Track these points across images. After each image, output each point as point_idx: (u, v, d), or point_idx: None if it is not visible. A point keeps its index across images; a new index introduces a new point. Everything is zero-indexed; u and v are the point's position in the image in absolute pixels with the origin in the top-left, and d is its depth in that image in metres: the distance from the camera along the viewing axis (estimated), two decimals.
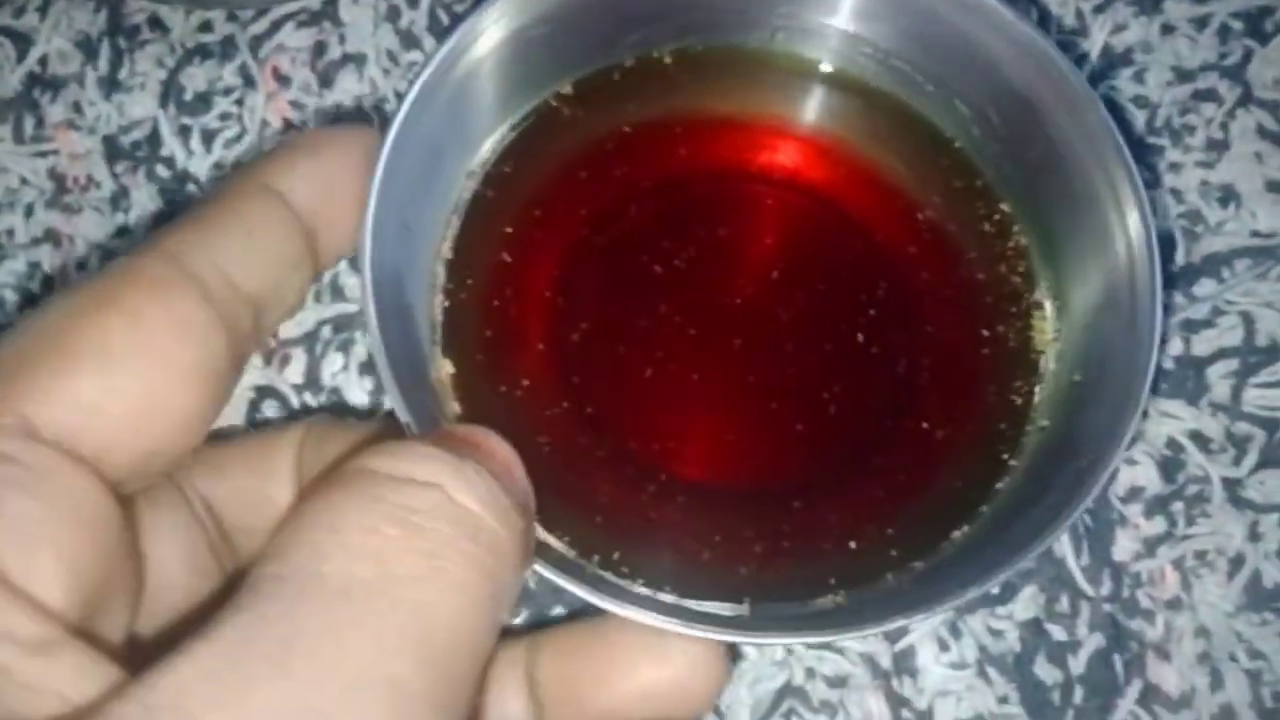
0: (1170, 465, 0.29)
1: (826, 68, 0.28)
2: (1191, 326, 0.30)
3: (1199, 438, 0.29)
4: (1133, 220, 0.23)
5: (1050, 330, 0.26)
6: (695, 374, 0.25)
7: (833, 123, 0.28)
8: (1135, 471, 0.29)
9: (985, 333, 0.26)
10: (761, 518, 0.24)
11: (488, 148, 0.26)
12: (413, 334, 0.24)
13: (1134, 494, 0.28)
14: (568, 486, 0.24)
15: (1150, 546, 0.28)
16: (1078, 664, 0.27)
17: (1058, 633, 0.27)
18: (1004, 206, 0.27)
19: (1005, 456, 0.24)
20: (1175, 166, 0.31)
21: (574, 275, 0.26)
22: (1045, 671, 0.27)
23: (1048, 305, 0.26)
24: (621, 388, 0.25)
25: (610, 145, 0.27)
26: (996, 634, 0.27)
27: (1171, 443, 0.29)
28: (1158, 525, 0.28)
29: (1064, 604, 0.27)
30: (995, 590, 0.27)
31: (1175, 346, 0.30)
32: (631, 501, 0.24)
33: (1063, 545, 0.28)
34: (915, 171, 0.27)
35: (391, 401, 0.21)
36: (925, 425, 0.25)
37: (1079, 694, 0.27)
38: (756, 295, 0.26)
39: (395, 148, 0.22)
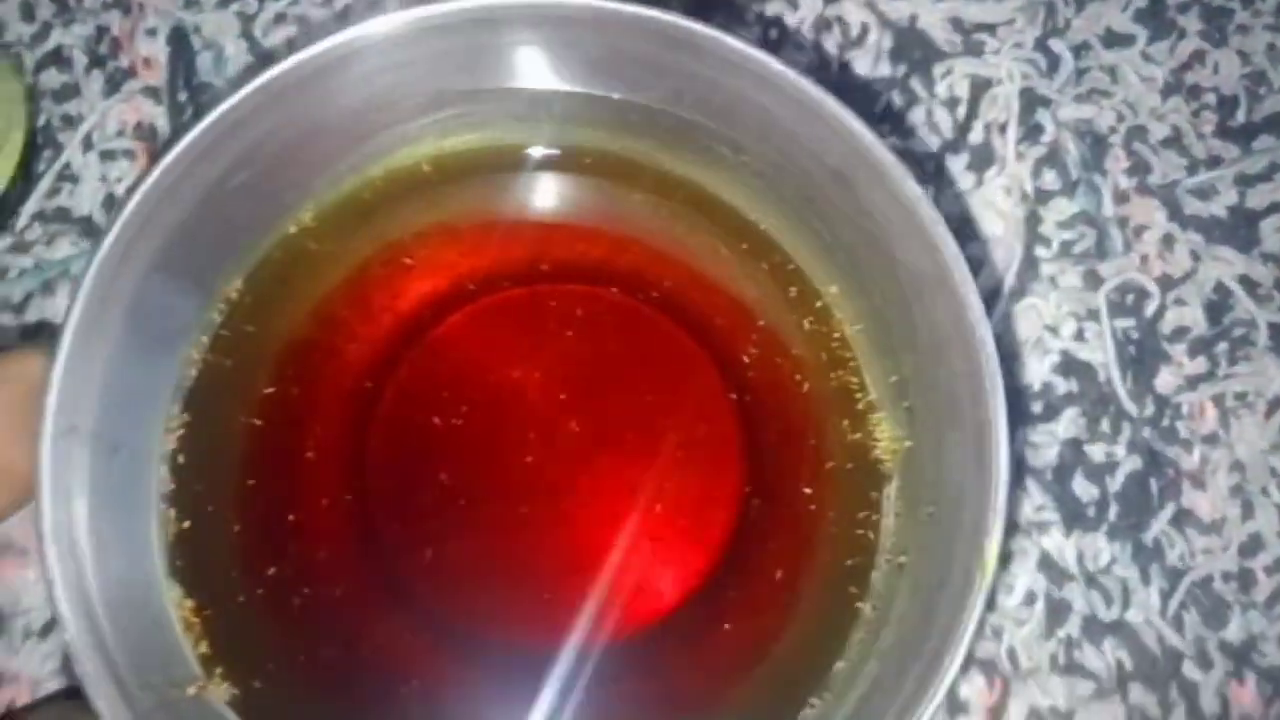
0: (1217, 308, 0.29)
1: (603, 150, 0.23)
2: (1247, 180, 0.30)
3: (1248, 282, 0.29)
4: (969, 318, 0.18)
5: (895, 441, 0.21)
6: (500, 534, 0.22)
7: (620, 214, 0.24)
8: (1182, 312, 0.29)
9: (812, 442, 0.22)
10: (600, 695, 0.21)
11: (216, 310, 0.21)
12: (136, 581, 0.19)
13: (1180, 333, 0.29)
14: (364, 695, 0.21)
15: (1192, 383, 0.28)
16: (1114, 483, 0.27)
17: (1096, 454, 0.28)
18: (831, 289, 0.22)
19: (855, 603, 0.21)
20: (1243, 29, 0.31)
21: (348, 436, 0.22)
22: (1082, 488, 0.27)
23: (890, 412, 0.21)
24: (417, 561, 0.22)
25: (369, 275, 0.23)
26: (1035, 447, 0.28)
27: (1220, 287, 0.29)
28: (1200, 365, 0.28)
29: (1105, 425, 0.28)
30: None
31: (1230, 198, 0.30)
32: (454, 695, 0.21)
33: (1110, 369, 0.28)
34: (723, 260, 0.23)
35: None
36: (769, 564, 0.22)
37: (1114, 511, 0.27)
38: (559, 428, 0.23)
39: (70, 368, 0.18)
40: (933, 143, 0.30)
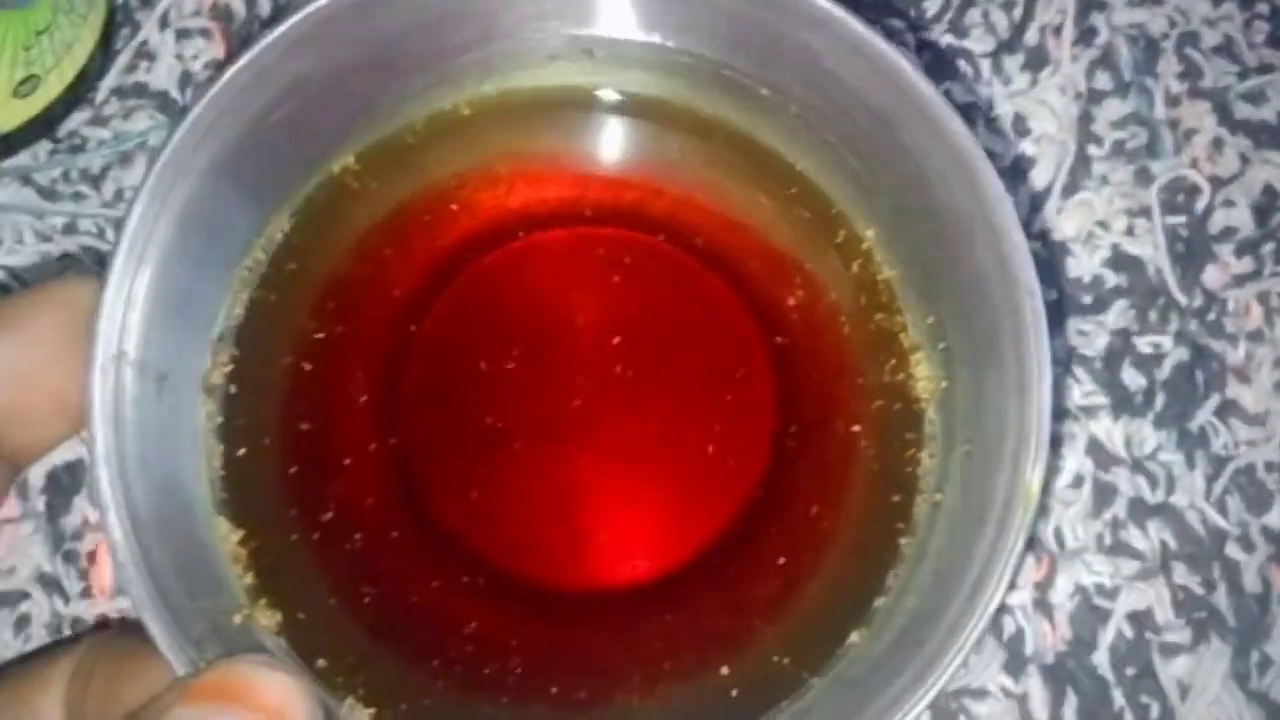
0: (1264, 210, 0.29)
1: (642, 93, 0.23)
2: None
3: None
4: (1010, 257, 0.18)
5: (931, 381, 0.21)
6: (544, 476, 0.23)
7: (659, 158, 0.24)
8: (1230, 213, 0.29)
9: (851, 383, 0.22)
10: (637, 638, 0.22)
11: (260, 248, 0.21)
12: (183, 511, 0.20)
13: (1227, 233, 0.29)
14: (404, 633, 0.21)
15: (1239, 281, 0.29)
16: (1161, 373, 0.28)
17: (1144, 345, 0.28)
18: (869, 233, 0.22)
19: (897, 538, 0.21)
20: None
21: (392, 377, 0.23)
22: (1130, 377, 0.28)
23: (926, 352, 0.22)
24: (462, 503, 0.22)
25: (412, 215, 0.23)
26: (1085, 335, 0.28)
27: (1268, 189, 0.30)
28: (1247, 264, 0.29)
29: (1153, 318, 0.28)
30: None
31: (1279, 104, 0.30)
32: (493, 637, 0.22)
33: (1160, 263, 0.29)
34: (762, 205, 0.23)
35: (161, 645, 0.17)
36: (805, 503, 0.22)
37: (1160, 399, 0.28)
38: (600, 370, 0.23)
39: (114, 296, 0.18)
40: (988, 43, 0.30)
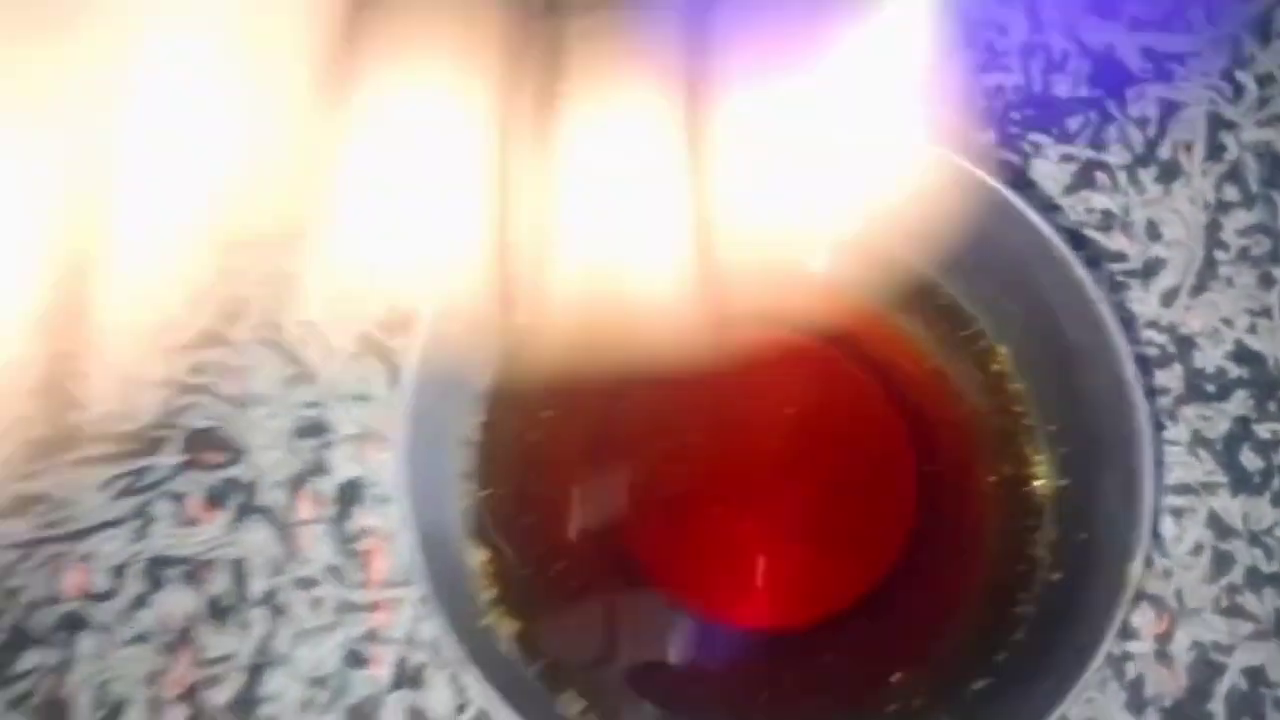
0: None
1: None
2: None
3: None
4: (1125, 380, 0.24)
5: (1054, 475, 0.27)
6: (723, 527, 0.27)
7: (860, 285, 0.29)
8: None
9: (990, 478, 0.27)
10: (788, 666, 0.26)
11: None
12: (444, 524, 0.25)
13: None
14: (616, 649, 0.26)
15: None
16: (1278, 458, 0.31)
17: (1263, 431, 0.31)
18: (1002, 350, 0.28)
19: (1017, 606, 0.26)
20: None
21: (602, 448, 0.27)
22: (1249, 459, 0.31)
23: (1047, 455, 0.27)
24: (661, 545, 0.27)
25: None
26: (1207, 420, 0.32)
27: None
28: None
29: (1272, 408, 0.32)
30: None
31: None
32: (666, 663, 0.26)
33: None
34: (913, 320, 0.29)
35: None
36: (939, 569, 0.27)
37: (1277, 480, 0.31)
38: (772, 442, 0.28)
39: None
40: (1125, 156, 0.34)
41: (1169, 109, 0.34)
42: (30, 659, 0.27)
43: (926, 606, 0.27)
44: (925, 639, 0.26)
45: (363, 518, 0.28)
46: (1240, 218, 0.33)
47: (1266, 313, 0.32)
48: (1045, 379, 0.27)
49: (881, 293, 0.28)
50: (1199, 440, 0.31)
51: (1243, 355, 0.32)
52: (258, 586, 0.27)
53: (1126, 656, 0.29)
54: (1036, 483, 0.27)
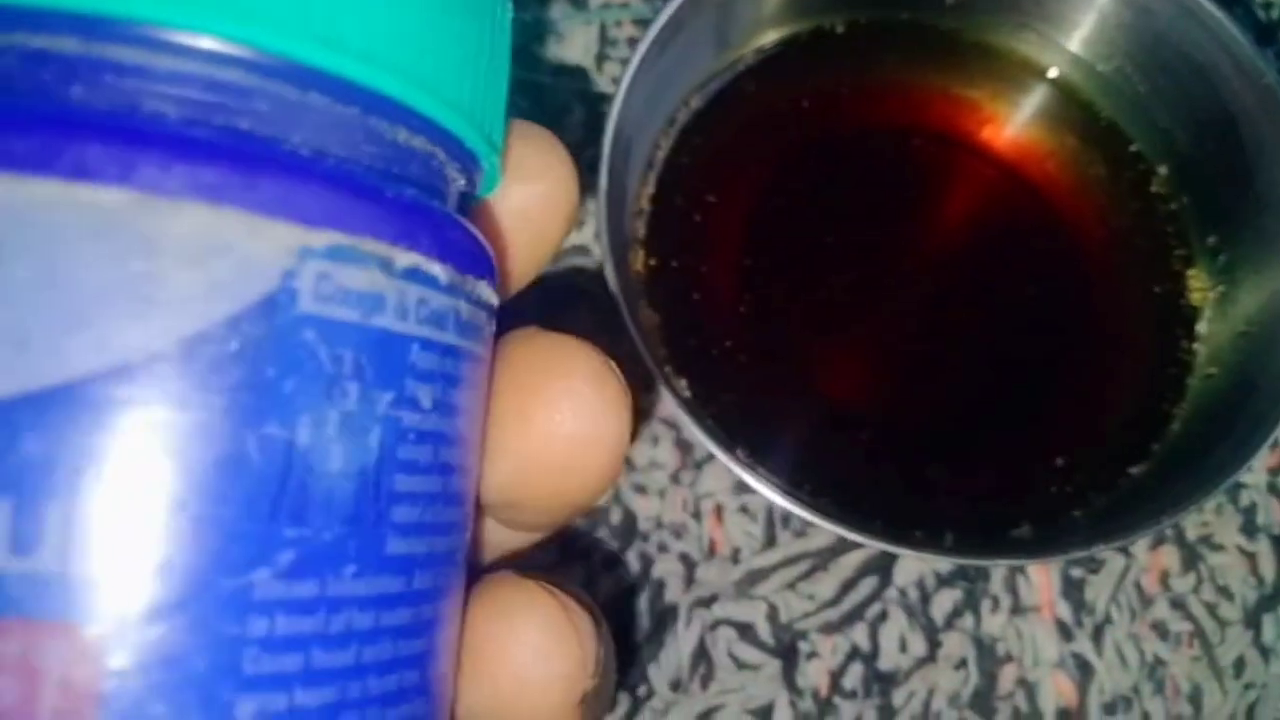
0: None
1: (1048, 72, 0.30)
2: None
3: None
4: None
5: (1209, 285, 0.28)
6: (881, 324, 0.28)
7: (1020, 105, 0.31)
8: None
9: (1154, 287, 0.29)
10: (952, 457, 0.27)
11: (696, 98, 0.28)
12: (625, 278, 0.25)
13: None
14: (773, 426, 0.26)
15: None
16: None
17: None
18: (1161, 170, 0.29)
19: (1170, 402, 0.27)
20: None
21: (767, 232, 0.28)
22: None
23: (1206, 261, 0.28)
24: (814, 336, 0.28)
25: (815, 101, 0.29)
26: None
27: None
28: None
29: None
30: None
31: None
32: (839, 445, 0.27)
33: None
34: (1084, 146, 0.30)
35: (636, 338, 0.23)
36: (1095, 370, 0.28)
37: None
38: (935, 247, 0.29)
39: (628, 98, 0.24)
40: None
41: None
42: None
43: (1086, 399, 0.28)
44: (1087, 427, 0.28)
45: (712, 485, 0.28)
46: None
47: None
48: (1209, 191, 0.28)
49: (1041, 113, 0.30)
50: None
51: None
52: None
53: (1241, 486, 0.30)
54: (1191, 291, 0.28)
